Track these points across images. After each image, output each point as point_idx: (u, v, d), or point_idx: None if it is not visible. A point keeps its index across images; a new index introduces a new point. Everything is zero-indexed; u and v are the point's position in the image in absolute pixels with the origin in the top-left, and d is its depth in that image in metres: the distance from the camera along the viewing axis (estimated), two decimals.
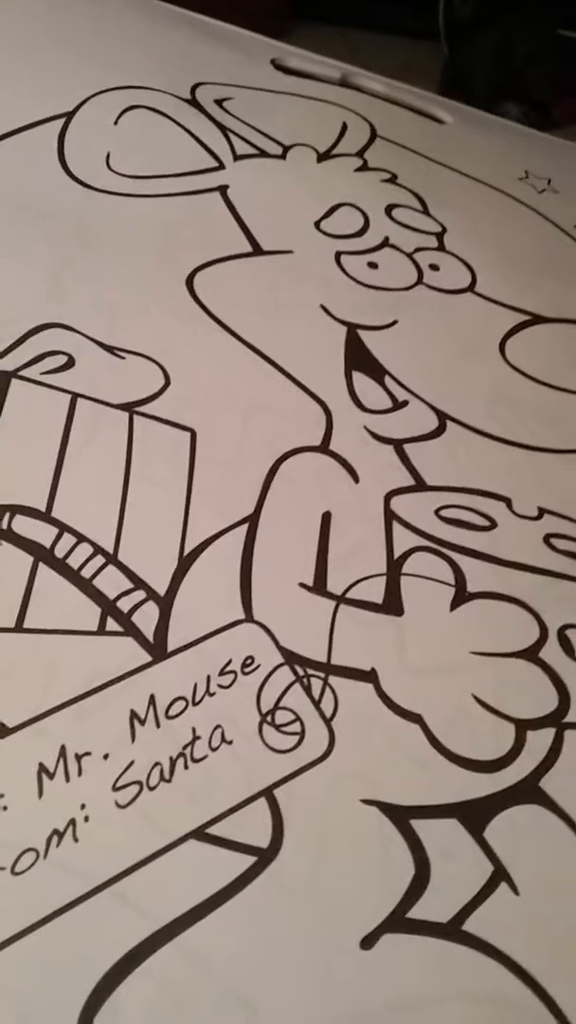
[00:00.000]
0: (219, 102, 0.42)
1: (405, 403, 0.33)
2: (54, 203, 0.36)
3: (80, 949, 0.22)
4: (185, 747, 0.25)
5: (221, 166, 0.39)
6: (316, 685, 0.26)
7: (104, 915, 0.22)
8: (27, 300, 0.33)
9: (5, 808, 0.23)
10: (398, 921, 0.23)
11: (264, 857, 0.23)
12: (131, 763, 0.24)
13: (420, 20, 1.38)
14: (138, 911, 0.22)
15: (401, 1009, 0.22)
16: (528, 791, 0.26)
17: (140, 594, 0.27)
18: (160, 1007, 0.21)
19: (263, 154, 0.41)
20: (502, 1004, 0.23)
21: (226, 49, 0.46)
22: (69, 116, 0.39)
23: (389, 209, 0.40)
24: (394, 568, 0.29)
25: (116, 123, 0.39)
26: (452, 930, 0.23)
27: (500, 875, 0.24)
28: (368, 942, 0.23)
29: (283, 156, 0.41)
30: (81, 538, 0.27)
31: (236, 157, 0.40)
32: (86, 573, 0.27)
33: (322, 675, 0.26)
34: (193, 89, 0.42)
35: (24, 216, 0.35)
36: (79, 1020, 0.21)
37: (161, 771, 0.24)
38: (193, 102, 0.41)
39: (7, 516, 0.27)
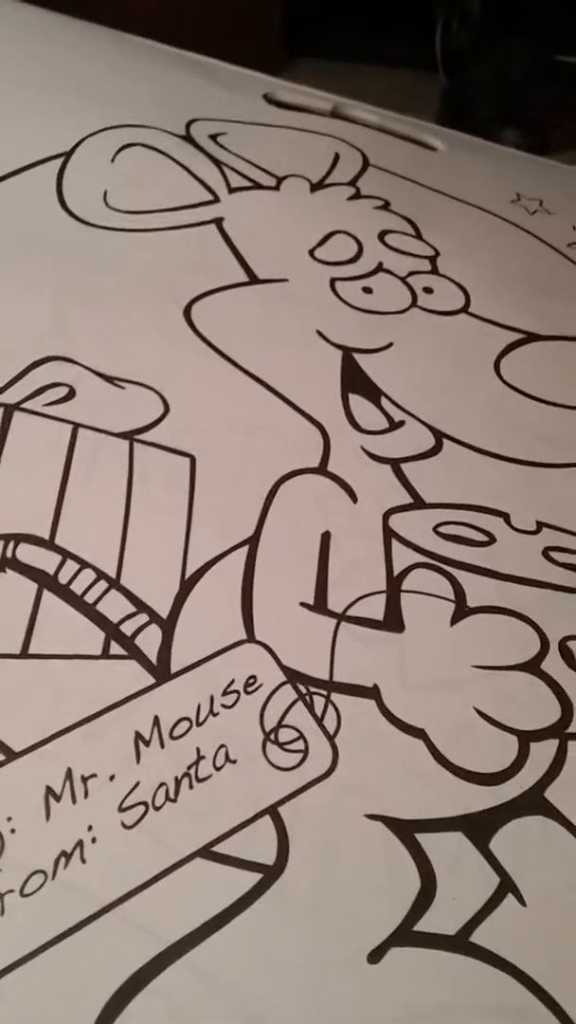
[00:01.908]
0: (213, 137, 0.43)
1: (402, 423, 0.34)
2: (54, 240, 0.37)
3: (89, 969, 0.22)
4: (190, 767, 0.25)
5: (216, 199, 0.40)
6: (319, 702, 0.26)
7: (113, 935, 0.22)
8: (29, 334, 0.33)
9: (13, 831, 0.23)
10: (405, 934, 0.23)
11: (270, 874, 0.24)
12: (137, 784, 0.24)
13: (416, 51, 1.40)
14: (146, 930, 0.22)
15: (410, 1022, 0.22)
16: (533, 802, 0.26)
17: (143, 617, 0.27)
18: None
19: (257, 186, 0.41)
20: (511, 1015, 0.23)
21: (219, 86, 0.47)
22: (67, 156, 0.40)
23: (382, 235, 0.41)
24: (394, 585, 0.29)
25: (113, 161, 0.40)
26: (460, 942, 0.23)
27: (507, 886, 0.24)
28: (376, 956, 0.23)
29: (277, 187, 0.42)
30: (84, 564, 0.28)
31: (231, 190, 0.41)
32: (89, 598, 0.27)
33: (324, 692, 0.27)
34: (188, 125, 0.43)
35: (25, 253, 0.36)
36: None
37: (167, 791, 0.24)
38: (188, 138, 0.42)
39: (11, 544, 0.28)
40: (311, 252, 0.39)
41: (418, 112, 0.51)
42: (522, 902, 0.24)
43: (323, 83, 0.51)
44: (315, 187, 0.42)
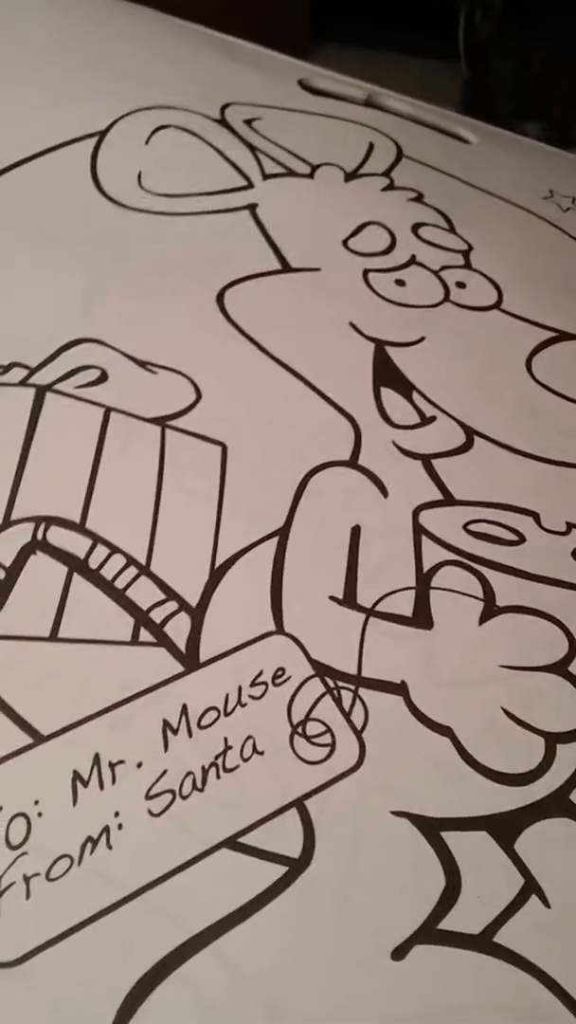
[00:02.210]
0: (248, 122, 0.43)
1: (433, 418, 0.34)
2: (87, 220, 0.36)
3: (114, 955, 0.22)
4: (217, 757, 0.25)
5: (250, 185, 0.40)
6: (346, 697, 0.26)
7: (138, 922, 0.22)
8: (61, 316, 0.33)
9: (40, 815, 0.23)
10: (429, 932, 0.23)
11: (296, 867, 0.24)
12: (164, 772, 0.24)
13: (439, 41, 1.39)
14: (171, 919, 0.22)
15: (432, 1020, 0.22)
16: (559, 804, 0.26)
17: (172, 605, 0.27)
18: (192, 1013, 0.21)
19: (291, 173, 0.41)
20: (533, 1016, 0.23)
21: (254, 69, 0.47)
22: (102, 135, 0.40)
23: (416, 228, 0.40)
24: (423, 582, 0.29)
25: (147, 142, 0.40)
26: (483, 942, 0.23)
27: (531, 887, 0.24)
28: (399, 953, 0.23)
29: (311, 175, 0.41)
30: (115, 549, 0.28)
31: (265, 176, 0.40)
32: (119, 584, 0.27)
33: (352, 687, 0.27)
34: (223, 109, 0.43)
35: (58, 232, 0.36)
36: None
37: (194, 780, 0.24)
38: (223, 122, 0.42)
39: (42, 527, 0.28)
40: (344, 242, 0.39)
41: (439, 103, 0.51)
42: (546, 904, 0.24)
43: (346, 70, 0.50)
44: (349, 176, 0.42)
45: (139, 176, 0.39)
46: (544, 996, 0.23)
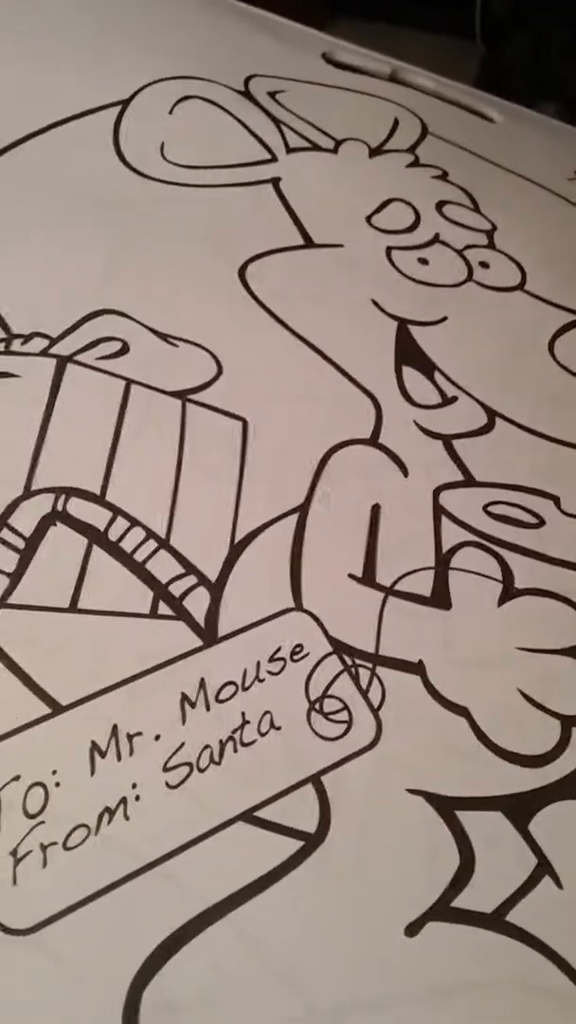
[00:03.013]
0: (272, 94, 0.42)
1: (454, 399, 0.34)
2: (109, 190, 0.36)
3: (130, 925, 0.22)
4: (235, 731, 0.25)
5: (274, 158, 0.39)
6: (364, 675, 0.27)
7: (154, 892, 0.22)
8: (82, 286, 0.33)
9: (58, 784, 0.23)
10: (443, 910, 0.23)
11: (311, 842, 0.24)
12: (181, 745, 0.24)
13: (456, 17, 1.38)
14: (188, 890, 0.23)
15: (444, 994, 0.23)
16: (573, 787, 0.26)
17: (192, 579, 0.27)
18: (205, 983, 0.22)
19: (315, 147, 0.41)
20: (544, 994, 0.23)
21: (278, 41, 0.46)
22: (125, 104, 0.39)
23: (440, 206, 0.40)
24: (442, 562, 0.29)
25: (171, 112, 0.40)
26: (496, 921, 0.24)
27: (544, 868, 0.24)
28: (413, 929, 0.23)
29: (335, 150, 0.41)
30: (134, 522, 0.28)
31: (289, 150, 0.40)
32: (139, 557, 0.27)
33: (370, 665, 0.27)
34: (247, 81, 0.42)
35: (79, 202, 0.35)
36: (128, 993, 0.21)
37: (211, 754, 0.24)
38: (246, 94, 0.42)
39: (63, 498, 0.28)
40: (368, 219, 0.39)
41: (455, 79, 0.50)
42: (559, 884, 0.24)
43: (362, 45, 0.50)
44: (374, 152, 0.41)
45: (162, 146, 0.38)
46: (555, 975, 0.23)
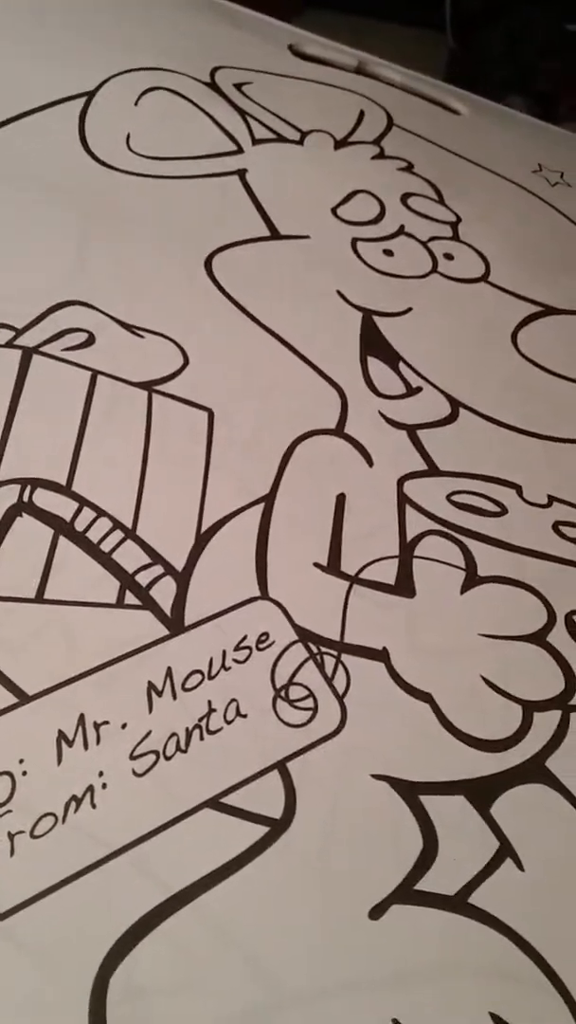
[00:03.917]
0: (238, 86, 0.42)
1: (419, 389, 0.34)
2: (75, 182, 0.36)
3: (97, 912, 0.22)
4: (201, 719, 0.25)
5: (240, 150, 0.40)
6: (329, 662, 0.27)
7: (121, 879, 0.23)
8: (48, 277, 0.33)
9: (25, 773, 0.23)
10: (406, 893, 0.24)
11: (277, 827, 0.24)
12: (148, 733, 0.24)
13: (426, 10, 1.38)
14: (154, 876, 0.23)
15: (408, 977, 0.23)
16: (534, 770, 0.26)
17: (158, 569, 0.27)
18: (173, 968, 0.22)
19: (281, 139, 0.41)
20: (505, 976, 0.23)
21: (244, 33, 0.46)
22: (90, 96, 0.39)
23: (405, 197, 0.40)
24: (407, 551, 0.29)
25: (137, 104, 0.40)
26: (458, 903, 0.24)
27: (506, 851, 0.25)
28: (377, 912, 0.23)
29: (301, 142, 0.41)
30: (100, 512, 0.28)
31: (255, 141, 0.40)
32: (105, 547, 0.27)
33: (335, 653, 0.27)
34: (213, 72, 0.42)
35: (45, 193, 0.35)
36: (95, 979, 0.21)
37: (177, 742, 0.25)
38: (213, 85, 0.42)
39: (28, 489, 0.28)
40: (334, 210, 0.39)
41: (425, 73, 0.50)
42: (520, 867, 0.25)
43: (331, 37, 0.50)
44: (339, 144, 0.42)
45: (127, 138, 0.38)
46: (516, 955, 0.24)
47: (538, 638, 0.29)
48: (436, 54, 1.37)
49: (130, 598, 0.27)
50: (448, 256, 0.39)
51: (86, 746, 0.24)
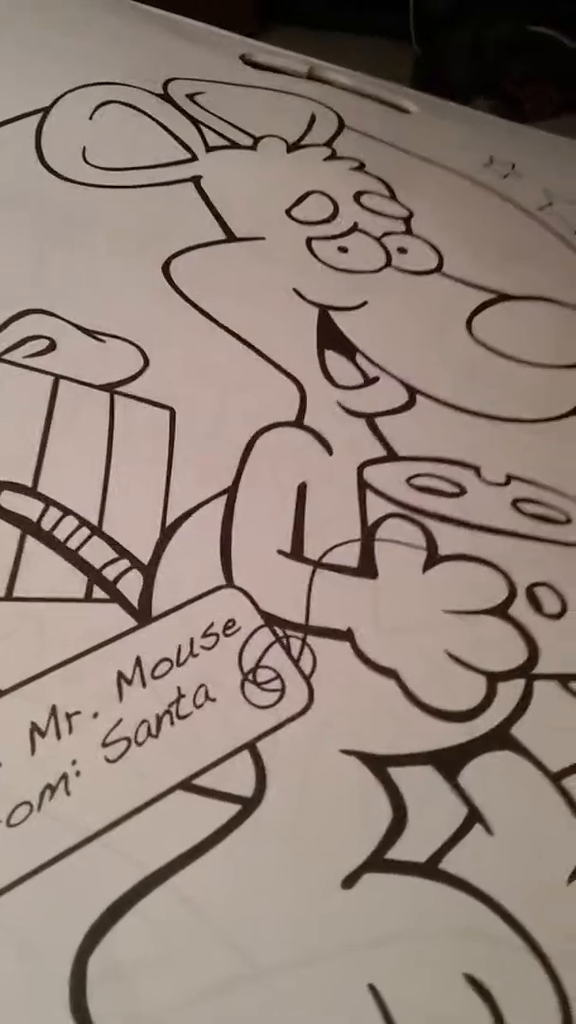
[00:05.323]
0: (191, 96, 0.43)
1: (376, 379, 0.35)
2: (33, 195, 0.37)
3: (74, 895, 0.23)
4: (171, 705, 0.26)
5: (194, 158, 0.40)
6: (295, 645, 0.27)
7: (97, 862, 0.23)
8: (9, 287, 0.34)
9: (0, 764, 0.24)
10: (378, 862, 0.24)
11: (248, 806, 0.24)
12: (119, 721, 0.25)
13: (391, 19, 1.39)
14: (129, 858, 0.23)
15: (383, 944, 0.23)
16: (500, 738, 0.27)
17: (124, 563, 0.28)
18: (151, 946, 0.22)
19: (234, 145, 0.42)
20: (479, 937, 0.24)
21: (196, 46, 0.47)
22: (46, 111, 0.40)
23: (358, 196, 0.41)
24: (368, 534, 0.30)
25: (91, 118, 0.41)
26: (430, 869, 0.24)
27: (475, 817, 0.25)
28: (349, 882, 0.24)
29: (254, 147, 0.42)
30: (66, 511, 0.28)
31: (208, 149, 0.41)
32: (72, 544, 0.28)
33: (301, 635, 0.28)
34: (165, 84, 0.43)
35: (4, 207, 0.36)
36: (75, 960, 0.22)
37: (148, 728, 0.25)
38: (166, 97, 0.43)
39: None
40: (288, 211, 0.40)
41: (391, 80, 0.51)
42: (489, 831, 0.25)
43: (296, 50, 0.51)
44: (292, 147, 0.43)
45: (83, 151, 0.39)
46: (488, 917, 0.24)
47: (500, 611, 0.29)
48: (403, 63, 1.38)
49: (98, 592, 0.27)
50: (402, 250, 0.40)
51: (59, 736, 0.25)
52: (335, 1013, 0.22)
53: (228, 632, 0.27)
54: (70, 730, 0.25)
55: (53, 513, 0.28)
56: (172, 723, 0.25)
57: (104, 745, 0.25)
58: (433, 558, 0.30)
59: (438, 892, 0.24)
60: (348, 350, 0.35)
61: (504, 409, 0.35)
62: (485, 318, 0.38)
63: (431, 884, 0.24)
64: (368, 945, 0.23)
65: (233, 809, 0.24)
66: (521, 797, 0.26)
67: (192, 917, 0.23)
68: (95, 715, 0.25)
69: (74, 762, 0.24)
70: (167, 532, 0.29)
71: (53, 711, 0.25)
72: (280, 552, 0.29)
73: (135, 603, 0.27)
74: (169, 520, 0.29)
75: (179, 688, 0.26)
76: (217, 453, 0.31)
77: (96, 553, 0.28)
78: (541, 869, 0.25)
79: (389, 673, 0.27)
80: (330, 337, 0.35)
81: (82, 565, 0.28)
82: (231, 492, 0.30)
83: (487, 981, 0.23)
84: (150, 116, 0.41)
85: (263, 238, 0.38)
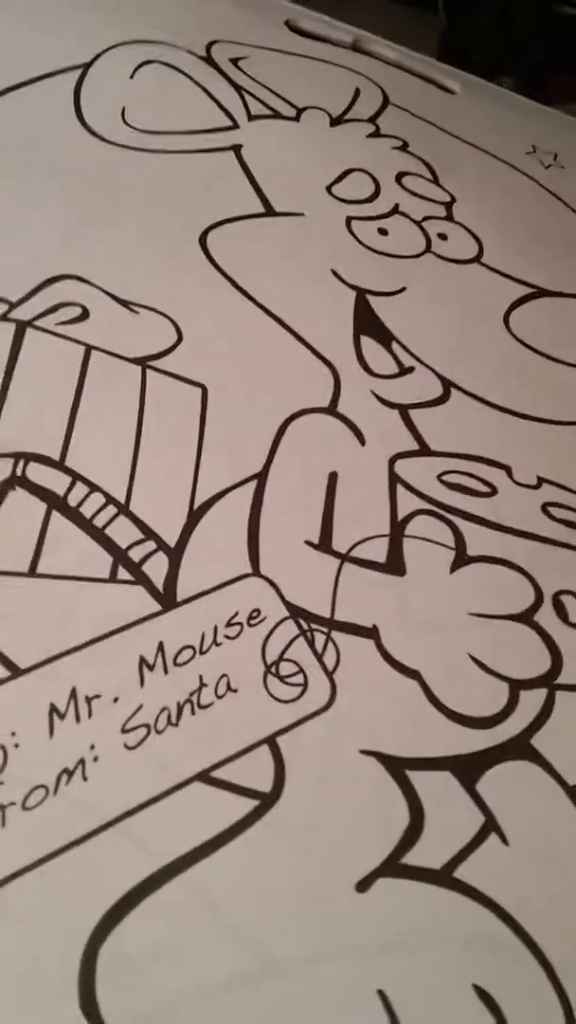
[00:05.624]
0: (234, 61, 0.42)
1: (411, 369, 0.34)
2: (70, 154, 0.36)
3: (87, 883, 0.22)
4: (192, 694, 0.25)
5: (235, 125, 0.39)
6: (319, 639, 0.27)
7: (112, 851, 0.23)
8: (42, 250, 0.33)
9: (17, 745, 0.24)
10: (393, 866, 0.24)
11: (266, 801, 0.24)
12: (140, 707, 0.25)
13: None
14: (145, 848, 0.23)
15: (393, 949, 0.23)
16: (520, 748, 0.27)
17: (151, 545, 0.27)
18: (162, 938, 0.22)
19: (277, 115, 0.41)
20: (488, 947, 0.24)
21: (241, 8, 0.46)
22: (86, 68, 0.39)
23: (399, 177, 0.40)
24: (397, 529, 0.30)
25: (132, 77, 0.39)
26: (444, 876, 0.24)
27: (491, 826, 0.25)
28: (363, 885, 0.24)
29: (296, 118, 0.41)
30: (94, 488, 0.28)
31: (251, 117, 0.40)
32: (98, 522, 0.27)
33: (325, 630, 0.27)
34: (208, 47, 0.42)
35: (39, 165, 0.35)
36: (85, 949, 0.22)
37: (168, 715, 0.25)
38: (208, 60, 0.42)
39: (21, 463, 0.28)
40: (328, 188, 0.39)
41: (417, 51, 0.50)
42: (505, 841, 0.25)
43: (324, 13, 0.49)
44: (335, 121, 0.42)
45: (123, 111, 0.38)
46: (499, 928, 0.24)
47: (526, 617, 0.29)
48: (427, 33, 1.36)
49: (123, 573, 0.27)
50: (442, 236, 0.39)
51: (78, 719, 0.24)
52: (343, 1016, 0.22)
53: (253, 622, 0.27)
54: (89, 714, 0.24)
55: (80, 489, 0.28)
56: (193, 712, 0.25)
57: (124, 731, 0.24)
58: (461, 558, 0.30)
59: (451, 900, 0.24)
60: (385, 337, 0.35)
61: (538, 408, 0.34)
62: (523, 313, 0.37)
63: (445, 892, 0.24)
64: (379, 951, 0.23)
65: (251, 804, 0.24)
66: (538, 808, 0.26)
67: (205, 911, 0.23)
68: (115, 700, 0.25)
69: (92, 747, 0.24)
70: (195, 515, 0.28)
71: (73, 693, 0.24)
72: (308, 543, 0.29)
73: (160, 587, 0.27)
74: (198, 503, 0.29)
75: (201, 677, 0.26)
76: (248, 436, 0.30)
77: (122, 533, 0.27)
78: (554, 882, 0.25)
79: (412, 674, 0.27)
80: (367, 322, 0.35)
81: (108, 544, 0.27)
82: (261, 478, 0.30)
83: (496, 993, 0.23)
84: (193, 79, 0.40)
85: (303, 214, 0.38)
